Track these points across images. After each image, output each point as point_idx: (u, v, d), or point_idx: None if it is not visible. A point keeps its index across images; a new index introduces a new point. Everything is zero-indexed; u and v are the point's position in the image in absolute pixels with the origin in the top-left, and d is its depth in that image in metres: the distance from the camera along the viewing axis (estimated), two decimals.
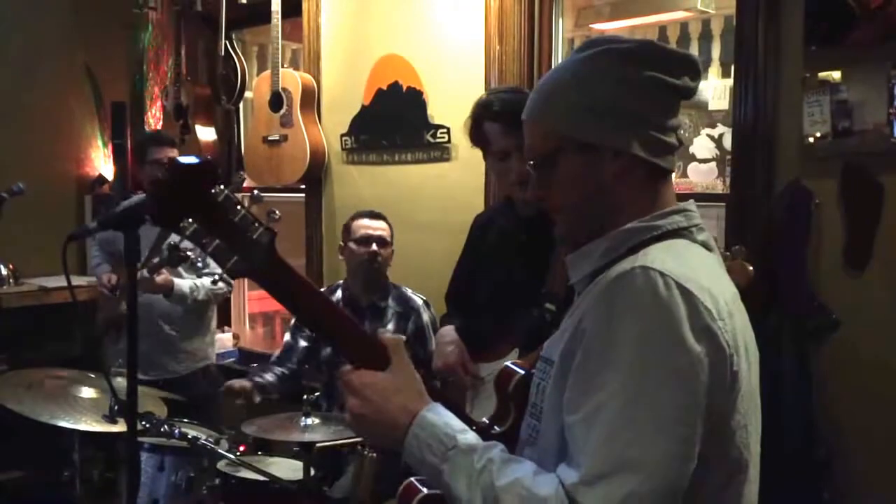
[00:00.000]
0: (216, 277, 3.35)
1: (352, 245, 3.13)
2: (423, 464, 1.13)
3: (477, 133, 2.24)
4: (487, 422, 1.31)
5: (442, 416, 1.15)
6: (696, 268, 1.10)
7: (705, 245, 1.19)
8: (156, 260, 3.18)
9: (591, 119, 1.15)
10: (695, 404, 1.02)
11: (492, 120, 2.16)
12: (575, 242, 1.22)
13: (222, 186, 1.13)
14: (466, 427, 1.15)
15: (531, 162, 1.22)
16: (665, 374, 1.01)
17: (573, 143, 1.16)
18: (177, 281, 3.38)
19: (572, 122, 1.17)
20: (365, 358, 1.19)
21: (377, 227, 3.13)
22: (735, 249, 2.13)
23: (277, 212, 1.21)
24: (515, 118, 2.05)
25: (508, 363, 1.35)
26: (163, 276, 3.28)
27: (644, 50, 1.17)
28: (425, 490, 1.28)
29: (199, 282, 3.49)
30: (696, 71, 1.19)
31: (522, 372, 1.32)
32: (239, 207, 1.13)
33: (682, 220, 1.17)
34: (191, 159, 1.14)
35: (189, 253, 3.22)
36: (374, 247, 3.09)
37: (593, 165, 1.16)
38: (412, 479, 1.32)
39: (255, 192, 1.30)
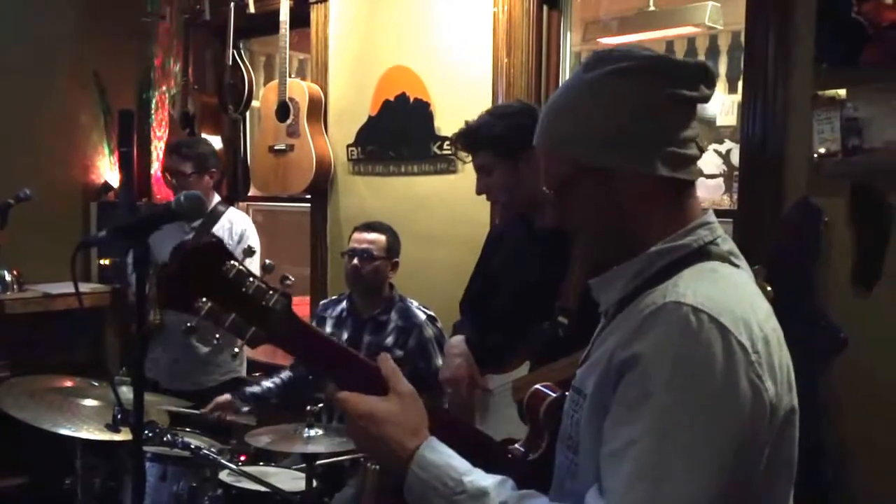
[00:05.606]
0: None
1: (345, 257, 3.14)
2: None
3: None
4: (522, 450, 1.29)
5: (442, 456, 1.13)
6: (728, 293, 1.07)
7: (731, 254, 1.16)
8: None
9: (609, 145, 1.12)
10: (730, 443, 0.99)
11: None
12: (601, 264, 1.20)
13: (232, 262, 1.14)
14: (470, 467, 1.13)
15: (549, 189, 1.19)
16: (698, 413, 0.99)
17: (592, 169, 1.13)
18: None
19: (590, 150, 1.13)
20: (364, 389, 1.19)
21: (363, 240, 3.09)
22: (755, 269, 2.11)
23: (291, 277, 1.22)
24: (470, 140, 2.30)
25: (538, 385, 1.34)
26: None
27: (656, 67, 1.13)
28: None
29: None
30: (710, 78, 1.16)
31: (554, 395, 1.30)
32: (251, 279, 1.14)
33: (707, 233, 1.15)
34: (196, 243, 1.16)
35: None
36: (356, 261, 3.07)
37: (615, 189, 1.13)
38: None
39: (268, 262, 1.33)
